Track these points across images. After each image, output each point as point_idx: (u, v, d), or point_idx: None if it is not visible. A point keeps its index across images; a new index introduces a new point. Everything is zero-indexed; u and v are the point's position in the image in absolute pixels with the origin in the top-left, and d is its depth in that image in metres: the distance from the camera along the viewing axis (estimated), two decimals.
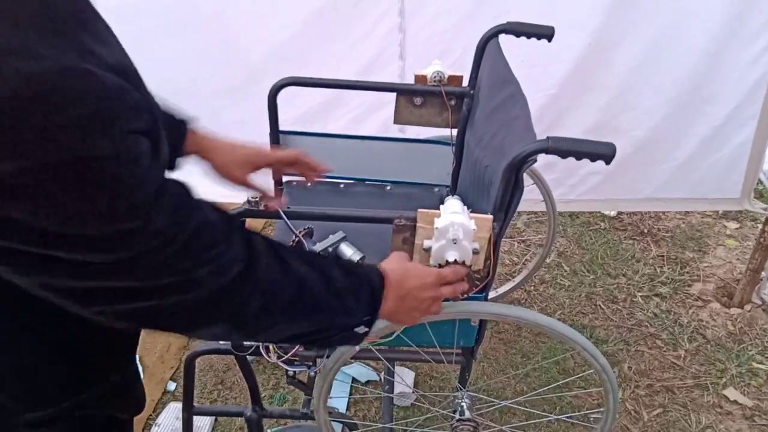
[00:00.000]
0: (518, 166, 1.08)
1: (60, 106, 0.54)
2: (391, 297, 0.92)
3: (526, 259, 2.49)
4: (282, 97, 1.69)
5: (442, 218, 1.12)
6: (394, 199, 1.86)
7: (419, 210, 1.14)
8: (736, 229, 2.66)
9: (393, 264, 0.98)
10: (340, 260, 0.98)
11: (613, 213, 2.72)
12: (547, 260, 2.46)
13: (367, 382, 1.97)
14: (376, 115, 2.25)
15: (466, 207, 1.16)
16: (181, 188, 0.70)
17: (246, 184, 1.21)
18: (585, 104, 1.98)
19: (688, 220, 2.71)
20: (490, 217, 1.14)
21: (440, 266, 1.12)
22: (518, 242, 2.60)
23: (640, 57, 1.87)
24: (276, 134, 1.74)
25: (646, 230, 2.66)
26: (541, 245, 2.10)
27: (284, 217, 1.16)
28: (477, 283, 1.17)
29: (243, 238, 0.76)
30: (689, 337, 2.12)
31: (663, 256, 2.52)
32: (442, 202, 1.85)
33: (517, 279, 2.20)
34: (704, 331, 2.15)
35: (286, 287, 0.79)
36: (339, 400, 1.90)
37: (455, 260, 1.11)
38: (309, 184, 1.87)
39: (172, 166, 1.09)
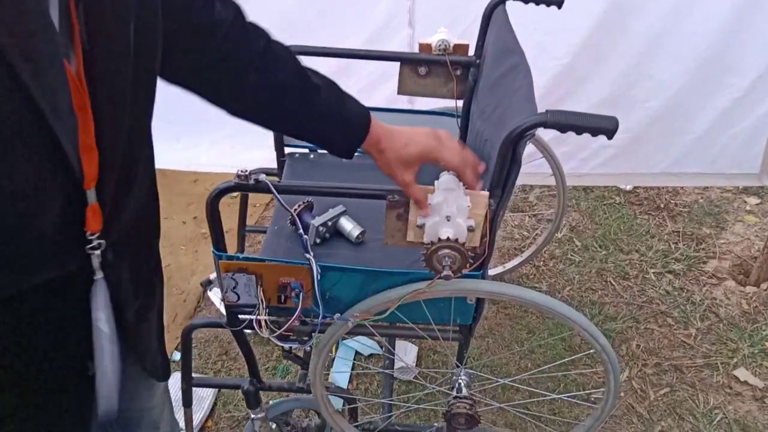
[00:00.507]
0: (515, 141, 1.04)
1: None
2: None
3: (536, 234, 2.44)
4: None
5: (436, 194, 1.08)
6: None
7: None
8: (757, 204, 2.57)
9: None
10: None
11: (629, 187, 2.65)
12: (558, 235, 2.41)
13: (371, 356, 1.97)
14: (386, 85, 2.20)
15: (461, 183, 1.12)
16: None
17: (405, 189, 1.09)
18: (600, 74, 1.91)
19: (706, 195, 2.63)
20: (486, 193, 1.10)
21: (433, 243, 1.09)
22: (529, 216, 2.55)
23: (658, 24, 1.79)
24: None
25: (662, 205, 2.59)
26: (551, 220, 2.05)
27: (275, 192, 1.13)
28: (471, 260, 1.13)
29: None
30: (701, 316, 2.07)
31: (679, 231, 2.45)
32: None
33: (525, 254, 2.16)
34: (717, 309, 2.09)
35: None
36: (341, 375, 1.90)
37: (448, 237, 1.07)
38: (311, 156, 1.84)
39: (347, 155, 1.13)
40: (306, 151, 1.85)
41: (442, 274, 1.08)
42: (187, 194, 2.77)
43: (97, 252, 0.78)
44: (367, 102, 2.35)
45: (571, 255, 2.35)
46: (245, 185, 1.14)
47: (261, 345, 1.98)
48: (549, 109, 1.01)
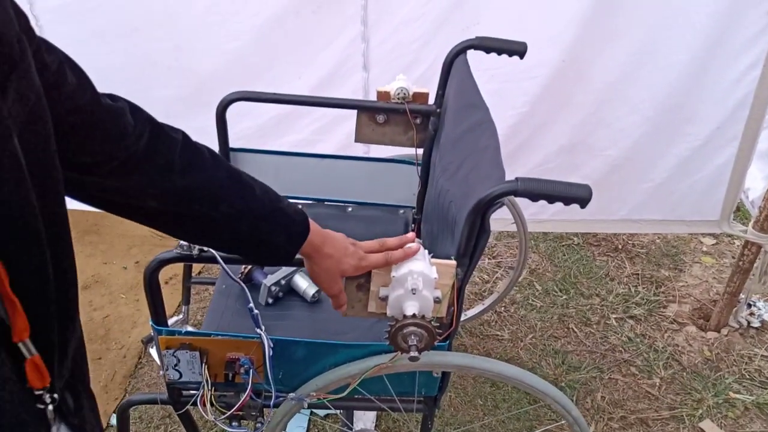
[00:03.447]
0: (484, 210, 0.97)
1: None
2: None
3: (497, 277, 2.39)
4: (239, 106, 1.56)
5: (400, 265, 1.00)
6: (355, 222, 1.73)
7: None
8: (713, 245, 2.59)
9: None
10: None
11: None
12: (519, 278, 2.36)
13: (327, 416, 1.85)
14: (342, 126, 2.12)
15: (426, 252, 1.03)
16: None
17: (335, 297, 1.02)
18: (558, 122, 1.87)
19: (663, 236, 2.63)
20: (454, 263, 1.02)
21: (397, 321, 1.00)
22: (489, 258, 2.50)
23: (617, 73, 1.77)
24: (226, 152, 1.60)
25: (620, 246, 2.58)
26: (512, 268, 2.00)
27: (222, 264, 1.03)
28: (439, 332, 1.04)
29: None
30: (665, 364, 2.04)
31: (638, 274, 2.43)
32: (407, 226, 1.75)
33: (487, 302, 2.09)
34: (680, 357, 2.06)
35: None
36: None
37: (414, 314, 0.99)
38: None
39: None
40: None
41: (409, 355, 0.99)
42: (128, 236, 2.60)
43: (50, 407, 0.66)
44: (319, 148, 2.28)
45: (533, 300, 2.30)
46: (188, 256, 1.03)
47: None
48: (520, 177, 0.94)
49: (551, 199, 0.96)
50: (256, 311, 1.07)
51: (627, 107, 1.82)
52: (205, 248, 1.03)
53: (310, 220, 0.94)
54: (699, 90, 1.75)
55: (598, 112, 1.85)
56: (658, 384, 1.97)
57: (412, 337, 1.00)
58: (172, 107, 2.16)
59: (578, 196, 0.95)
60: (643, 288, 2.36)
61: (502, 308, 2.25)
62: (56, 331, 0.65)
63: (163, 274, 1.06)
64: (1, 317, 0.56)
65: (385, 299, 1.02)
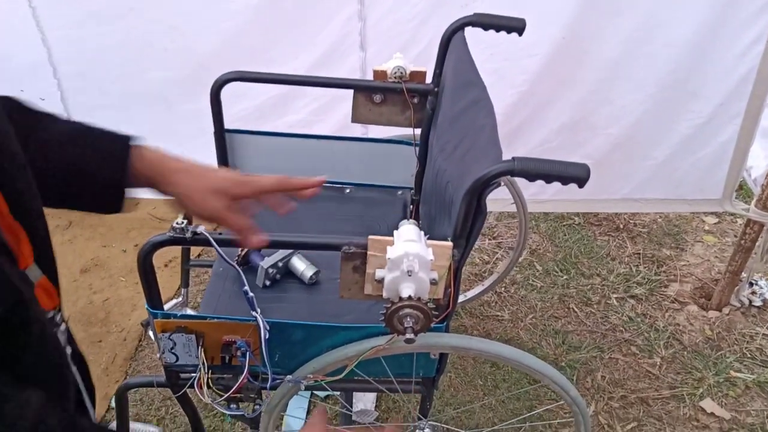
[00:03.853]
0: (480, 190, 0.95)
1: None
2: None
3: (497, 258, 2.37)
4: (236, 87, 1.53)
5: (396, 247, 0.98)
6: (353, 204, 1.72)
7: (370, 237, 1.00)
8: (715, 224, 2.57)
9: None
10: None
11: None
12: (519, 258, 2.35)
13: (327, 397, 1.85)
14: (340, 106, 2.10)
15: (422, 233, 1.02)
16: None
17: (222, 219, 0.91)
18: (559, 100, 1.85)
19: (665, 215, 2.61)
20: (450, 244, 1.01)
21: (394, 301, 0.99)
22: (489, 239, 2.48)
23: (619, 50, 1.74)
24: (221, 134, 1.58)
25: (621, 225, 2.56)
26: (512, 248, 1.98)
27: (216, 246, 1.01)
28: (435, 314, 1.03)
29: None
30: (665, 343, 2.03)
31: (639, 253, 2.42)
32: (405, 207, 1.74)
33: (487, 283, 2.09)
34: (681, 336, 2.06)
35: None
36: (296, 421, 1.78)
37: (410, 296, 0.98)
38: None
39: (117, 205, 0.82)
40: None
41: (404, 337, 0.98)
42: (127, 219, 2.59)
43: (62, 328, 0.65)
44: (317, 128, 2.26)
45: (533, 280, 2.29)
46: (182, 239, 1.02)
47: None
48: (516, 156, 0.93)
49: (548, 179, 0.94)
50: (251, 294, 1.06)
51: (629, 84, 1.79)
52: (198, 231, 1.02)
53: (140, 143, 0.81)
54: (702, 66, 1.72)
55: (599, 90, 1.83)
56: (658, 363, 1.97)
57: (408, 319, 0.99)
58: (168, 89, 2.14)
59: (576, 175, 0.93)
60: (645, 267, 2.34)
61: (503, 289, 2.24)
62: (52, 250, 0.64)
63: (163, 256, 1.05)
64: (8, 245, 0.55)
65: (381, 281, 1.01)
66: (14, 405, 0.49)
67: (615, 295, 2.22)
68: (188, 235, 1.02)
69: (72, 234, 2.54)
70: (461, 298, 2.11)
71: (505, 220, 2.57)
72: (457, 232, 1.01)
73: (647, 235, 2.51)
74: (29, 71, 2.23)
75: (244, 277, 1.10)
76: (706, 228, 2.56)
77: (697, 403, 1.84)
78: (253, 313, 1.08)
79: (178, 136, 2.28)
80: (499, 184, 0.96)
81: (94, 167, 0.76)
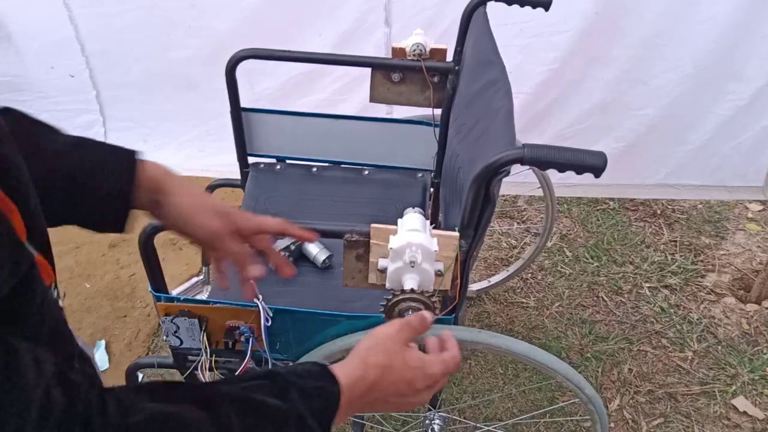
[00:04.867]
0: (488, 178, 0.89)
1: None
2: (354, 408, 0.69)
3: (525, 243, 2.30)
4: (260, 66, 1.49)
5: (398, 237, 0.94)
6: (372, 185, 1.67)
7: (372, 225, 0.96)
8: (759, 211, 2.43)
9: (364, 364, 0.70)
10: (255, 405, 0.60)
11: None
12: (548, 244, 2.27)
13: None
14: (365, 85, 2.04)
15: (428, 222, 0.97)
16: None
17: (222, 242, 0.85)
18: (591, 79, 1.76)
19: (706, 200, 2.48)
20: (456, 234, 0.96)
21: (395, 294, 0.95)
22: (518, 222, 2.41)
23: (655, 27, 1.63)
24: (237, 112, 1.55)
25: (659, 211, 2.45)
26: (538, 234, 1.91)
27: None
28: (437, 306, 0.99)
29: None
30: (698, 337, 1.94)
31: (676, 241, 2.31)
32: (425, 191, 1.69)
33: (511, 269, 2.02)
34: (715, 329, 1.96)
35: None
36: None
37: (412, 289, 0.93)
38: (278, 167, 1.69)
39: (122, 220, 0.77)
40: (272, 161, 1.70)
41: None
42: None
43: (60, 303, 0.64)
44: (341, 108, 2.21)
45: (561, 267, 2.21)
46: None
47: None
48: (527, 144, 0.87)
49: (561, 168, 0.88)
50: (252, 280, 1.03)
51: (665, 63, 1.68)
52: None
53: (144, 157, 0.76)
54: (744, 44, 1.60)
55: (633, 69, 1.73)
56: (690, 357, 1.88)
57: (409, 312, 0.95)
58: (191, 68, 2.13)
59: (591, 164, 0.87)
60: (681, 256, 2.24)
61: (529, 275, 2.18)
62: (44, 225, 0.61)
63: None
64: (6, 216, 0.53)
65: (384, 271, 0.98)
66: (33, 360, 0.46)
67: (647, 285, 2.13)
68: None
69: None
70: (484, 284, 2.06)
71: (536, 204, 2.49)
72: (465, 221, 0.96)
73: (686, 222, 2.40)
74: (58, 49, 2.25)
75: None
76: (750, 215, 2.42)
77: (729, 401, 1.75)
78: (255, 300, 1.06)
79: (202, 115, 2.28)
80: (508, 173, 0.90)
81: (100, 178, 0.73)
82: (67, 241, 2.36)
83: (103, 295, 2.18)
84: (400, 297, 0.94)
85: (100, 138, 2.50)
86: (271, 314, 1.09)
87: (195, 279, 2.03)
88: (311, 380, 0.64)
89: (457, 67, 1.44)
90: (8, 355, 0.45)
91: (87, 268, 2.28)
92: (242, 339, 1.12)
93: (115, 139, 2.53)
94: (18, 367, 0.45)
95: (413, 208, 1.00)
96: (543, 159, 0.86)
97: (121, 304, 2.16)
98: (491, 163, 0.87)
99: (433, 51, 1.47)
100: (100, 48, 2.18)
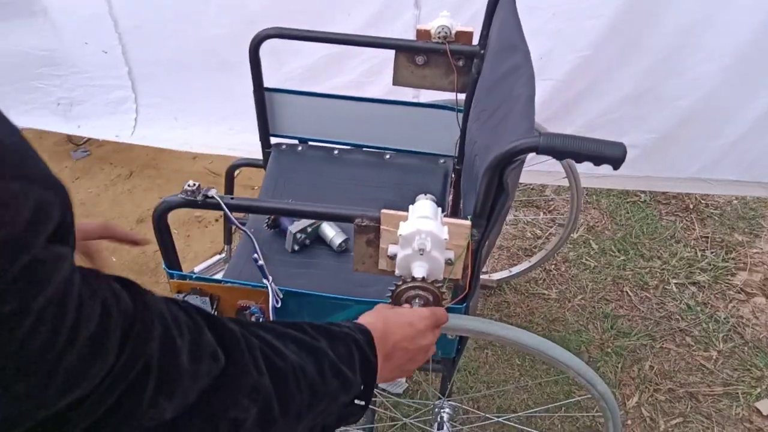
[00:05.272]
0: (502, 167, 0.87)
1: None
2: (379, 357, 0.78)
3: (550, 233, 2.26)
4: (289, 45, 1.48)
5: (408, 223, 0.93)
6: (393, 170, 1.66)
7: (383, 211, 0.95)
8: None
9: (370, 317, 0.85)
10: (323, 327, 0.74)
11: None
12: (574, 235, 2.23)
13: None
14: (388, 70, 2.03)
15: (440, 209, 0.96)
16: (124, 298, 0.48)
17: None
18: (624, 68, 1.70)
19: (741, 197, 2.40)
20: (468, 223, 0.94)
21: (404, 281, 0.94)
22: (544, 212, 2.37)
23: (693, 14, 1.56)
24: (261, 92, 1.55)
25: (692, 206, 2.38)
26: (563, 225, 1.88)
27: (227, 210, 0.99)
28: (445, 297, 0.98)
29: (213, 342, 0.56)
30: (725, 336, 1.89)
31: (707, 237, 2.24)
32: (446, 177, 1.66)
33: (534, 259, 1.99)
34: (743, 329, 1.91)
35: (279, 387, 0.61)
36: None
37: (423, 278, 0.92)
38: (299, 148, 1.68)
39: None
40: (294, 142, 1.70)
41: None
42: (184, 171, 2.65)
43: None
44: (368, 90, 2.19)
45: (587, 259, 2.17)
46: (193, 201, 1.00)
47: None
48: (543, 132, 0.84)
49: (578, 158, 0.85)
50: (261, 262, 1.03)
51: (702, 53, 1.62)
52: (210, 194, 1.00)
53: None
54: None
55: (669, 59, 1.66)
56: (714, 357, 1.83)
57: (417, 301, 0.94)
58: (222, 47, 2.13)
59: (610, 155, 0.84)
60: (711, 252, 2.17)
61: (552, 266, 2.14)
62: None
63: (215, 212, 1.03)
64: None
65: (393, 257, 0.96)
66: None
67: (675, 281, 2.08)
68: (199, 197, 1.00)
69: (132, 184, 2.62)
70: (506, 274, 2.03)
71: (563, 194, 2.44)
72: (477, 210, 0.94)
73: (719, 218, 2.33)
74: (92, 24, 2.27)
75: (256, 244, 1.08)
76: None
77: (752, 404, 1.70)
78: (264, 281, 1.06)
79: (232, 94, 2.28)
80: (523, 162, 0.88)
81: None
82: (97, 215, 2.41)
83: (129, 269, 2.22)
84: (408, 285, 0.93)
85: (131, 114, 2.54)
86: (281, 296, 1.09)
87: (217, 257, 2.05)
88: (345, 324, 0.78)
89: (482, 51, 1.41)
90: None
91: (114, 243, 2.33)
92: (252, 319, 1.13)
93: (146, 116, 2.58)
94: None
95: (425, 194, 0.98)
96: (559, 149, 0.84)
97: (146, 279, 2.20)
98: (505, 152, 0.85)
99: (459, 34, 1.43)
100: (134, 24, 2.20)
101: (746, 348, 1.85)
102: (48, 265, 0.40)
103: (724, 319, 1.94)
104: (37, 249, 0.39)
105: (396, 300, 0.95)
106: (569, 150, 0.84)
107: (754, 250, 2.18)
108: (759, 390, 1.73)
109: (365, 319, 0.82)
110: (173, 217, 1.03)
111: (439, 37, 1.43)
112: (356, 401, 0.74)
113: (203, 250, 2.28)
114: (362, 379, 0.73)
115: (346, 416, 0.74)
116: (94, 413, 0.44)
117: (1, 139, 0.39)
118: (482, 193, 0.92)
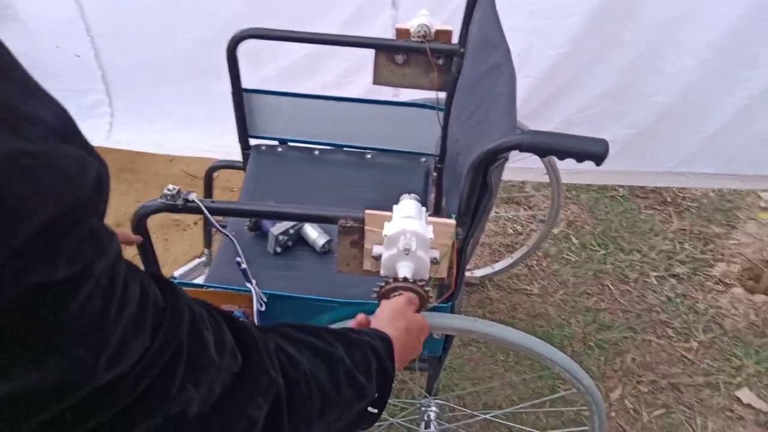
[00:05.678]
0: (485, 165, 0.87)
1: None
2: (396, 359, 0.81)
3: (530, 229, 2.27)
4: (266, 47, 1.46)
5: (393, 224, 0.93)
6: (374, 170, 1.65)
7: (366, 211, 0.95)
8: None
9: (386, 318, 0.87)
10: (341, 333, 0.76)
11: None
12: (555, 230, 2.25)
13: None
14: (367, 70, 2.02)
15: (425, 209, 0.95)
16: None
17: None
18: (602, 63, 1.71)
19: (718, 189, 2.44)
20: (453, 222, 0.94)
21: (387, 282, 0.93)
22: (524, 209, 2.38)
23: (670, 10, 1.58)
24: (239, 93, 1.53)
25: (669, 199, 2.41)
26: (543, 221, 1.88)
27: (207, 214, 0.97)
28: (430, 295, 0.97)
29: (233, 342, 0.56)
30: (704, 327, 1.91)
31: (685, 230, 2.27)
32: (428, 175, 1.66)
33: (516, 255, 2.00)
34: (722, 320, 1.93)
35: (289, 390, 0.61)
36: None
37: (405, 278, 0.92)
38: (279, 149, 1.67)
39: None
40: (274, 143, 1.68)
41: None
42: (162, 175, 2.61)
43: None
44: (348, 90, 2.18)
45: (567, 254, 2.18)
46: (173, 206, 0.98)
47: None
48: (526, 130, 0.84)
49: (561, 155, 0.85)
50: (244, 265, 1.02)
51: (680, 49, 1.63)
52: (190, 198, 0.98)
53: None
54: (762, 29, 1.55)
55: (646, 54, 1.68)
56: (695, 348, 1.86)
57: None
58: (197, 49, 2.11)
59: (592, 151, 0.84)
60: (690, 245, 2.20)
61: (534, 262, 2.15)
62: None
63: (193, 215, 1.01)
64: None
65: (378, 258, 0.96)
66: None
67: (654, 274, 2.10)
68: (179, 202, 0.98)
69: None
70: (488, 271, 2.04)
71: (543, 190, 2.46)
72: (462, 208, 0.94)
73: (696, 210, 2.36)
74: (63, 28, 2.23)
75: (238, 247, 1.07)
76: (762, 204, 2.38)
77: (733, 393, 1.73)
78: (248, 285, 1.05)
79: (208, 96, 2.26)
80: (506, 159, 0.88)
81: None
82: None
83: None
84: (392, 285, 0.92)
85: (106, 118, 2.50)
86: (265, 299, 1.07)
87: (197, 261, 2.02)
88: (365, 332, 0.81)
89: (462, 50, 1.41)
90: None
91: None
92: None
93: (121, 120, 2.54)
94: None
95: (409, 194, 0.97)
96: (542, 146, 0.84)
97: None
98: (488, 150, 0.85)
99: (439, 33, 1.43)
100: (107, 29, 2.16)
101: (726, 338, 1.88)
102: (105, 236, 0.41)
103: (704, 310, 1.96)
104: (98, 218, 0.40)
105: (381, 300, 0.94)
106: (552, 147, 0.84)
107: (732, 242, 2.22)
108: (739, 379, 1.75)
109: (394, 324, 0.85)
110: (150, 221, 1.01)
111: (418, 36, 1.42)
112: (369, 409, 0.74)
113: (182, 254, 2.25)
114: (378, 387, 0.73)
115: (358, 423, 0.74)
116: (128, 395, 0.44)
117: (61, 112, 0.40)
118: (466, 191, 0.92)
